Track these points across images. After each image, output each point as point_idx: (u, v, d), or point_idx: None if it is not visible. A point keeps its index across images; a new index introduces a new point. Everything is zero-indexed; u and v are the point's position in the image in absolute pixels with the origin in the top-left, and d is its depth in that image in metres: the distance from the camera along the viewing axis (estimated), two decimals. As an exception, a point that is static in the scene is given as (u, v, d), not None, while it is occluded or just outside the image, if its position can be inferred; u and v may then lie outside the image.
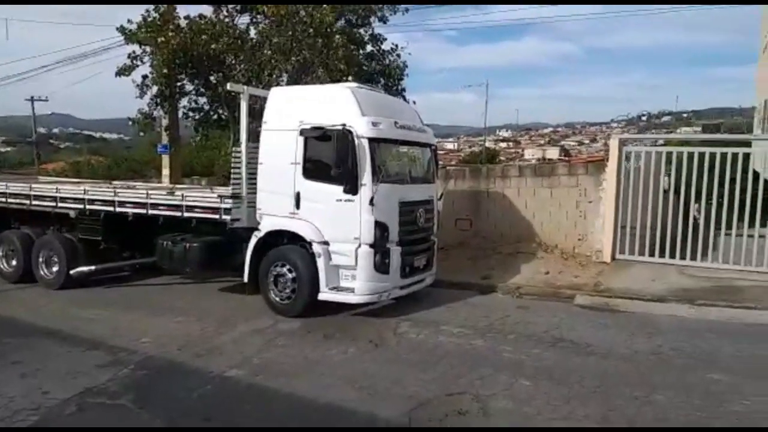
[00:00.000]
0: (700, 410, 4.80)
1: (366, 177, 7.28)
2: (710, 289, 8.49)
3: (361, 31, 13.88)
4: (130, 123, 14.73)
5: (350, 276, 7.46)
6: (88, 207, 9.45)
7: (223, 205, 8.29)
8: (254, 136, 8.28)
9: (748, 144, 10.17)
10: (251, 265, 8.00)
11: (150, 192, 9.21)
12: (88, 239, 9.51)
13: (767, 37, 21.84)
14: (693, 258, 9.79)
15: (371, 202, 7.25)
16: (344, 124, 7.21)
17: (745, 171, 9.53)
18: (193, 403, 5.11)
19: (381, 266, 7.44)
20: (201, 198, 8.86)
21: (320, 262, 7.46)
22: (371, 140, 7.34)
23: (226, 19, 13.10)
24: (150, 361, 6.08)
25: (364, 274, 7.38)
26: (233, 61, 12.82)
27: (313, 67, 12.02)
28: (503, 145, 77.22)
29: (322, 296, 7.51)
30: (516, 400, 5.08)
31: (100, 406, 5.01)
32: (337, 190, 7.32)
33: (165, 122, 15.49)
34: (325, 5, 12.04)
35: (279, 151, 7.80)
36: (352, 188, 7.25)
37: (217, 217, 8.36)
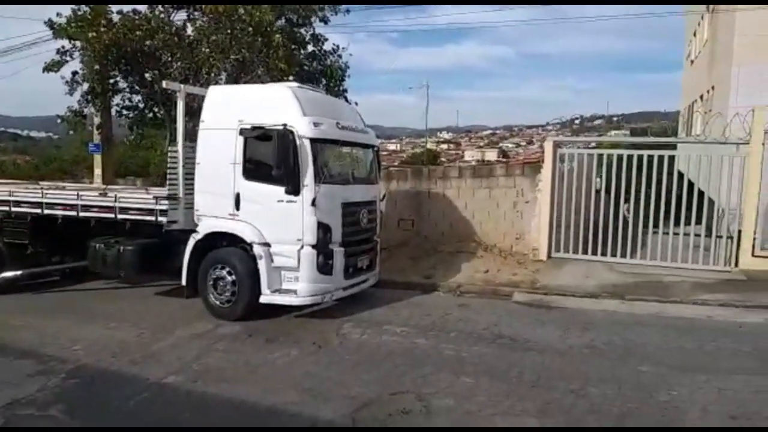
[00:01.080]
0: (631, 401, 5.03)
1: (308, 178, 7.22)
2: (639, 285, 8.92)
3: (302, 30, 13.79)
4: (60, 121, 14.14)
5: (293, 278, 7.39)
6: (13, 209, 8.99)
7: (159, 207, 8.08)
8: (192, 136, 8.11)
9: (673, 147, 10.73)
10: (189, 268, 7.81)
11: (81, 193, 8.84)
12: (13, 243, 9.05)
13: (690, 45, 23.14)
14: (623, 255, 10.28)
15: (313, 203, 7.21)
16: (285, 124, 7.13)
17: (670, 173, 10.06)
18: (129, 412, 4.93)
19: (324, 267, 7.40)
20: (135, 199, 8.60)
21: (262, 264, 7.36)
22: (313, 141, 7.29)
23: (162, 15, 12.72)
24: (82, 370, 5.83)
25: (307, 276, 7.33)
26: (169, 59, 12.47)
27: (253, 66, 11.86)
28: (444, 146, 78.38)
29: (264, 299, 7.41)
30: (458, 398, 5.17)
31: (28, 418, 4.78)
32: (279, 191, 7.23)
33: (97, 120, 14.90)
34: (264, 4, 11.87)
35: (217, 151, 7.65)
36: (293, 189, 7.18)
37: (152, 219, 8.14)
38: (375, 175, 8.87)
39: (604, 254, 10.42)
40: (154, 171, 19.99)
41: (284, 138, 7.11)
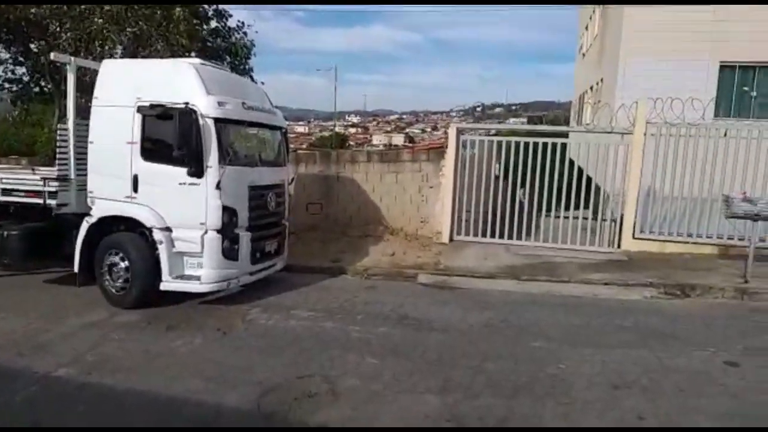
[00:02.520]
0: (525, 375, 5.37)
1: (212, 159, 6.94)
2: (533, 266, 9.47)
3: (205, 6, 13.20)
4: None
5: (196, 263, 7.13)
6: None
7: (48, 189, 7.57)
8: (84, 112, 7.59)
9: (565, 135, 11.40)
10: (82, 254, 7.39)
11: None
12: None
13: (583, 38, 24.58)
14: (519, 238, 10.86)
15: (218, 186, 6.95)
16: (187, 103, 6.80)
17: (562, 160, 10.71)
18: (16, 408, 4.62)
19: (230, 253, 7.20)
20: (21, 180, 7.94)
21: (162, 250, 7.05)
22: (217, 120, 6.99)
23: (48, -19, 11.71)
24: (-42, 366, 5.37)
25: (212, 262, 7.09)
26: (58, 29, 11.55)
27: (151, 40, 11.25)
28: (353, 130, 78.44)
29: (164, 285, 7.12)
30: (364, 378, 5.28)
31: None
32: (180, 172, 6.91)
33: (-26, 94, 13.56)
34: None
35: (113, 129, 7.21)
36: (196, 171, 6.89)
37: (40, 201, 7.63)
38: (283, 157, 8.69)
39: (501, 237, 10.96)
40: (41, 150, 18.48)
41: (186, 117, 6.78)
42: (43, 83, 12.98)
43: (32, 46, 12.22)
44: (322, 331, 6.60)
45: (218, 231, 7.07)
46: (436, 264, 9.66)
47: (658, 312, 7.49)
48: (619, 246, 10.46)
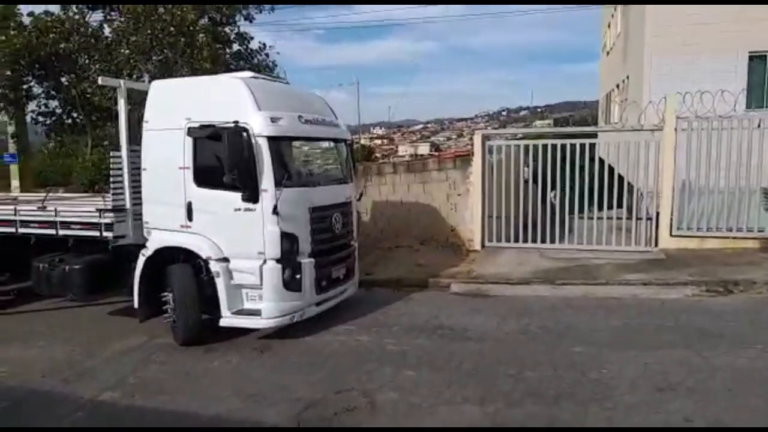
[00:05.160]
0: (565, 381, 5.27)
1: (267, 182, 6.38)
2: (568, 269, 9.32)
3: (227, 29, 13.50)
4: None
5: (257, 296, 6.58)
6: None
7: (104, 221, 7.27)
8: (137, 139, 7.27)
9: (594, 135, 11.23)
10: (141, 288, 6.94)
11: (18, 207, 8.09)
12: None
13: (606, 37, 24.27)
14: (552, 241, 10.70)
15: (275, 211, 6.36)
16: (237, 121, 6.27)
17: (592, 159, 10.54)
18: (63, 434, 4.74)
19: (291, 283, 6.60)
20: (78, 213, 7.75)
21: (219, 282, 6.51)
22: (270, 139, 6.44)
23: (77, 17, 12.15)
24: (8, 393, 5.52)
25: (272, 294, 6.53)
26: (87, 61, 11.94)
27: (177, 66, 11.51)
28: (378, 142, 78.68)
29: (224, 322, 6.60)
30: (401, 391, 5.26)
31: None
32: (235, 197, 6.40)
33: (11, 129, 14.07)
34: (188, 4, 11.57)
35: (164, 154, 6.83)
36: (251, 195, 6.36)
37: (97, 234, 7.34)
38: (349, 172, 8.00)
39: (534, 241, 10.82)
40: (77, 179, 19.07)
41: (236, 137, 6.24)
42: (75, 114, 13.38)
43: (63, 79, 12.64)
44: (358, 345, 6.60)
45: (278, 260, 6.51)
46: (468, 272, 9.58)
47: (700, 310, 7.29)
48: (656, 244, 10.22)
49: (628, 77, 17.53)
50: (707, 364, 5.50)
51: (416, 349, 6.34)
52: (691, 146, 10.03)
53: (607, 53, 23.68)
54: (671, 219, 10.16)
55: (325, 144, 7.95)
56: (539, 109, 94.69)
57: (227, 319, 6.61)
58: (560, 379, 5.34)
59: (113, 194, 7.38)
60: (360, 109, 67.86)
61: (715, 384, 5.05)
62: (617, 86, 20.03)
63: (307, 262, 6.77)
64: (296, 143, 7.31)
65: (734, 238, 9.96)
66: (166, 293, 6.82)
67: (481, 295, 8.54)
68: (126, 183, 7.31)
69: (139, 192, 7.18)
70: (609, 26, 22.86)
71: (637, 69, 15.09)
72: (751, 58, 13.44)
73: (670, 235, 10.16)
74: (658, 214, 10.25)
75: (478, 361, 5.89)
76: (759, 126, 9.95)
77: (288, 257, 6.57)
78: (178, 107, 6.84)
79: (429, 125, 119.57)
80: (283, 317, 6.64)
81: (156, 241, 6.95)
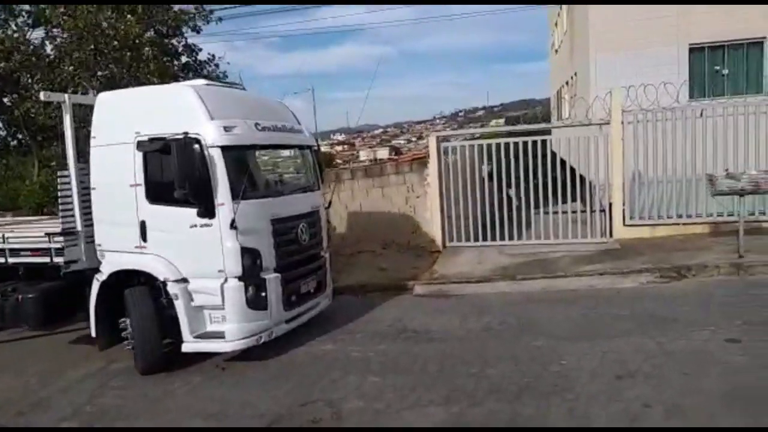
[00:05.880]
0: (527, 376, 5.33)
1: (223, 195, 6.01)
2: (527, 264, 9.46)
3: (174, 41, 13.24)
4: None
5: (220, 317, 6.21)
6: None
7: (53, 245, 6.85)
8: (86, 157, 6.87)
9: (548, 132, 11.45)
10: (98, 315, 6.57)
11: None
12: None
13: (554, 35, 24.84)
14: (511, 238, 10.85)
15: (233, 225, 6.00)
16: (186, 132, 5.88)
17: (546, 155, 10.72)
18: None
19: (256, 301, 6.22)
20: (26, 239, 7.28)
21: (179, 305, 6.13)
22: (225, 149, 6.05)
23: (16, 35, 11.76)
24: (-44, 432, 5.28)
25: (236, 315, 6.15)
26: (29, 80, 11.54)
27: (123, 82, 11.24)
28: (339, 148, 78.51)
29: (186, 347, 6.22)
30: (366, 398, 5.23)
31: None
32: (190, 213, 6.03)
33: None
34: (130, 17, 11.31)
35: (114, 171, 6.42)
36: (207, 210, 5.99)
37: (47, 260, 6.91)
38: (316, 179, 7.67)
39: (494, 239, 10.95)
40: (24, 203, 18.42)
41: (187, 149, 5.86)
42: (20, 136, 12.94)
43: (5, 100, 12.20)
44: (323, 354, 6.53)
45: (239, 278, 6.14)
46: (430, 273, 9.63)
47: (654, 297, 7.49)
48: (611, 235, 10.46)
49: (576, 74, 17.96)
50: (662, 349, 5.64)
51: (381, 355, 6.32)
52: (638, 138, 10.33)
53: (556, 51, 24.23)
54: (623, 209, 10.43)
55: (288, 152, 7.68)
56: (495, 109, 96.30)
57: (189, 344, 6.22)
58: (522, 373, 5.40)
59: (62, 216, 6.94)
60: (319, 115, 67.62)
61: (670, 369, 5.19)
62: (566, 83, 20.51)
63: (272, 278, 6.37)
64: (257, 152, 7.02)
65: (684, 224, 10.29)
66: (124, 319, 6.45)
67: (444, 296, 8.59)
68: (76, 204, 6.89)
69: (91, 213, 6.80)
70: (556, 25, 23.40)
71: (584, 65, 15.48)
72: (691, 51, 13.94)
73: (624, 225, 10.43)
74: (611, 205, 10.50)
75: (442, 362, 5.91)
76: (701, 115, 10.31)
77: (250, 274, 6.18)
78: (126, 120, 6.44)
79: (389, 129, 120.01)
80: (249, 338, 6.24)
81: (110, 264, 6.57)
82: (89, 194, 6.77)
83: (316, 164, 7.76)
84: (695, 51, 14.00)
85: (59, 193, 7.03)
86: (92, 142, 6.66)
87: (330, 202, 8.28)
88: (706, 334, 5.91)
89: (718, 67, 14.09)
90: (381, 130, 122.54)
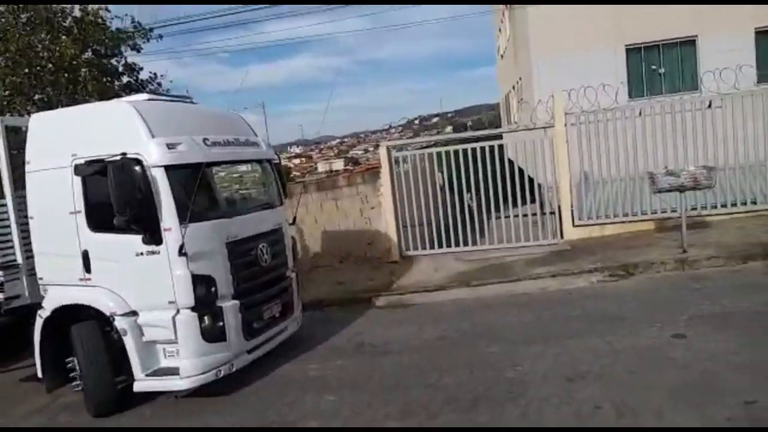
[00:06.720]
0: (482, 384, 5.35)
1: (169, 219, 5.55)
2: (482, 269, 9.55)
3: (113, 61, 12.90)
4: None
5: (174, 351, 5.73)
6: None
7: None
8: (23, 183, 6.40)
9: (499, 137, 11.59)
10: (44, 353, 6.10)
11: None
12: None
13: (499, 40, 25.32)
14: (466, 244, 10.93)
15: (182, 252, 5.52)
16: (124, 153, 5.43)
17: (501, 160, 10.82)
18: None
19: (212, 333, 5.72)
20: None
21: (128, 341, 5.66)
22: (169, 168, 5.60)
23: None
24: None
25: (190, 349, 5.66)
26: (-40, 107, 11.05)
27: (61, 105, 10.88)
28: (296, 161, 77.90)
29: (138, 386, 5.74)
30: (322, 417, 5.17)
31: None
32: (135, 240, 5.57)
33: None
34: (64, 38, 10.98)
35: (52, 198, 5.99)
36: (152, 236, 5.54)
37: None
38: (277, 195, 7.23)
39: (449, 246, 11.00)
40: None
41: (125, 171, 5.38)
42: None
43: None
44: (280, 375, 6.41)
45: (192, 308, 5.66)
46: (388, 284, 9.61)
47: (604, 296, 7.65)
48: (561, 236, 10.67)
49: (520, 78, 18.33)
50: (611, 348, 5.75)
51: (338, 371, 6.26)
52: (581, 139, 10.58)
53: (502, 56, 24.71)
54: (572, 210, 10.65)
55: (245, 167, 7.27)
56: (449, 115, 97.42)
57: (141, 383, 5.73)
58: (477, 381, 5.42)
59: (0, 249, 6.51)
60: (273, 129, 67.04)
61: (619, 368, 5.28)
62: (513, 87, 20.92)
63: (229, 306, 5.89)
64: (213, 168, 6.53)
65: (631, 222, 10.57)
66: (72, 358, 5.96)
67: (401, 306, 8.58)
68: (15, 235, 6.46)
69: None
70: (500, 30, 23.87)
71: (527, 69, 15.80)
72: (628, 51, 14.42)
73: (573, 225, 10.65)
74: (560, 207, 10.71)
75: (398, 375, 5.89)
76: (640, 114, 10.64)
77: (205, 303, 5.70)
78: (62, 142, 5.98)
79: (346, 140, 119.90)
80: (207, 374, 5.74)
81: (52, 299, 6.10)
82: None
83: (276, 178, 7.31)
84: (632, 51, 14.49)
85: None
86: (27, 167, 6.19)
87: (294, 218, 7.87)
88: (654, 331, 6.05)
89: (654, 67, 14.61)
90: (338, 140, 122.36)
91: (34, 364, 6.64)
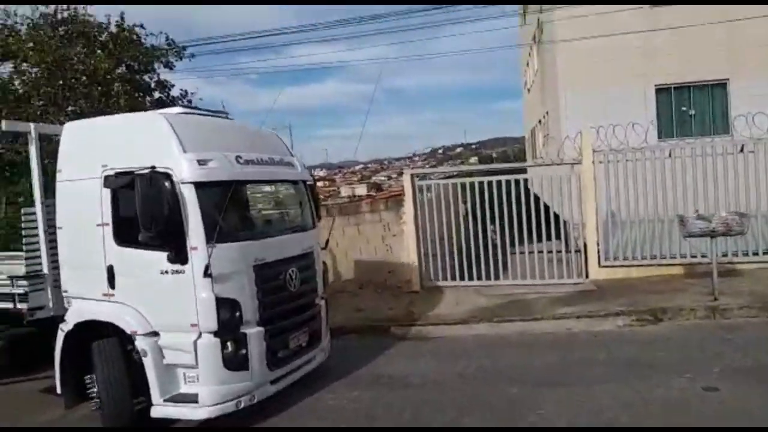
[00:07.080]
0: (503, 426, 5.17)
1: (196, 237, 5.33)
2: (504, 306, 9.34)
3: (146, 77, 13.15)
4: None
5: (194, 376, 5.45)
6: None
7: (17, 290, 6.31)
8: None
9: (524, 170, 11.50)
10: (64, 368, 5.89)
11: None
12: None
13: (526, 75, 25.38)
14: (488, 278, 10.74)
15: (207, 273, 5.31)
16: (154, 167, 5.25)
17: (525, 194, 10.70)
18: None
19: (234, 361, 5.45)
20: None
21: (148, 363, 5.40)
22: (198, 185, 5.41)
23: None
24: None
25: (210, 376, 5.39)
26: (-4, 115, 11.28)
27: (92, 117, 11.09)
28: (320, 184, 78.32)
29: (156, 412, 5.44)
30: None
31: None
32: (160, 257, 5.38)
33: None
34: (99, 52, 11.21)
35: (81, 209, 5.83)
36: (178, 255, 5.33)
37: (10, 306, 6.36)
38: (310, 217, 6.97)
39: (471, 279, 10.79)
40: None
41: (153, 185, 5.19)
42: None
43: (-30, 136, 11.88)
44: (294, 403, 6.24)
45: (215, 333, 5.40)
46: (408, 314, 9.43)
47: (631, 341, 7.41)
48: (587, 276, 10.44)
49: (547, 113, 18.27)
50: (640, 397, 5.52)
51: (355, 402, 6.10)
52: (609, 178, 10.42)
53: (528, 90, 24.73)
54: (598, 250, 10.43)
55: (278, 187, 7.06)
56: (473, 146, 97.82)
57: (159, 408, 5.42)
58: (497, 423, 5.24)
59: (27, 258, 6.34)
60: (298, 151, 67.31)
61: (648, 418, 5.06)
62: (539, 122, 20.86)
63: (254, 333, 5.60)
64: (237, 187, 6.13)
65: (659, 265, 10.30)
66: (91, 376, 5.72)
67: (421, 338, 8.41)
68: (43, 244, 6.27)
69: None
70: (528, 64, 23.91)
71: (554, 105, 15.74)
72: (657, 91, 14.28)
73: (599, 265, 10.41)
74: (585, 245, 10.51)
75: (416, 410, 5.72)
76: (670, 155, 10.46)
77: (228, 328, 5.42)
78: (94, 152, 5.84)
79: (369, 165, 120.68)
80: (226, 403, 5.43)
81: (75, 313, 5.91)
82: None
83: (310, 200, 7.04)
84: (662, 91, 14.34)
85: (23, 233, 6.51)
86: (58, 176, 6.07)
87: (327, 242, 7.57)
88: (684, 382, 5.81)
89: (684, 108, 14.43)
90: (362, 165, 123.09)
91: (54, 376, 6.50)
